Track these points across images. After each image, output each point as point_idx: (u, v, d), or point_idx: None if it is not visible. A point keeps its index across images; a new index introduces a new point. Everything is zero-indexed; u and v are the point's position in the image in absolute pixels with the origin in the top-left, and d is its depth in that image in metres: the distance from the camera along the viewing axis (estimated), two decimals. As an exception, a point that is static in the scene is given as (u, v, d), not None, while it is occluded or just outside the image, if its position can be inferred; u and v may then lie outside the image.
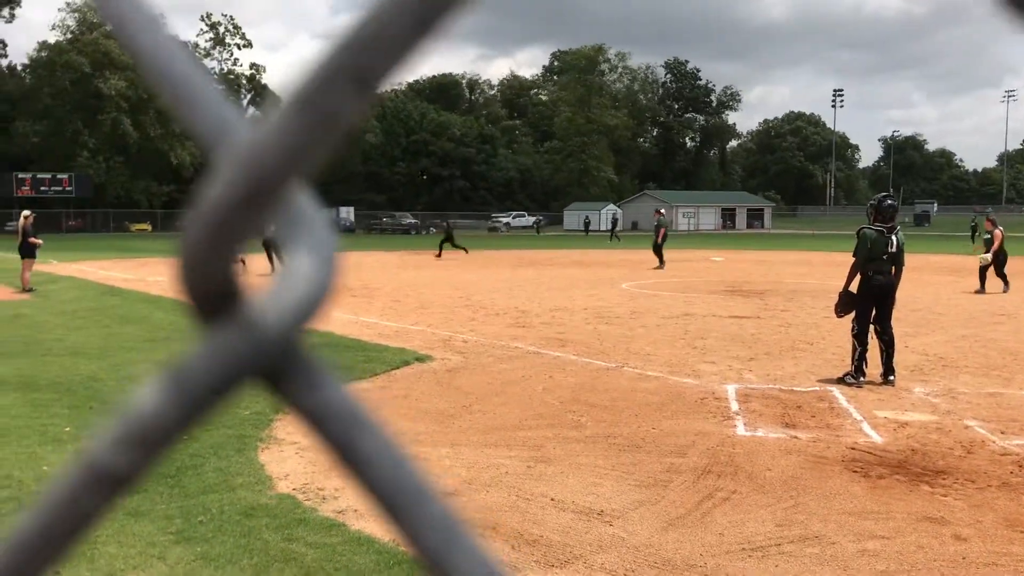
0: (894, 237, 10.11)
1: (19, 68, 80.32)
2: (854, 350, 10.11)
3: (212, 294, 0.32)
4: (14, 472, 6.58)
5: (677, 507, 6.06)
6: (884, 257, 10.07)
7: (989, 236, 21.11)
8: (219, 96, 0.36)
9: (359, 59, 0.28)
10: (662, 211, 33.13)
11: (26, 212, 21.81)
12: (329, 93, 0.28)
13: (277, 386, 0.33)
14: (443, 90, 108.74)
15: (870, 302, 10.16)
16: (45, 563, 0.34)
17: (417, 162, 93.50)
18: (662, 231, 31.22)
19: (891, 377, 10.08)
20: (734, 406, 8.99)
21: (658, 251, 30.91)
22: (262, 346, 0.32)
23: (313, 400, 0.33)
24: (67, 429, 7.91)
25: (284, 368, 0.33)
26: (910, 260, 11.60)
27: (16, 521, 0.34)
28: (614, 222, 58.23)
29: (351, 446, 0.33)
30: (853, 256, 10.22)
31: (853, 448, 7.47)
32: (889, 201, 10.43)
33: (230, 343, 0.32)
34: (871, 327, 10.12)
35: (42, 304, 18.33)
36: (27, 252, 20.73)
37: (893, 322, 10.31)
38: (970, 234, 20.02)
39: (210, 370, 0.31)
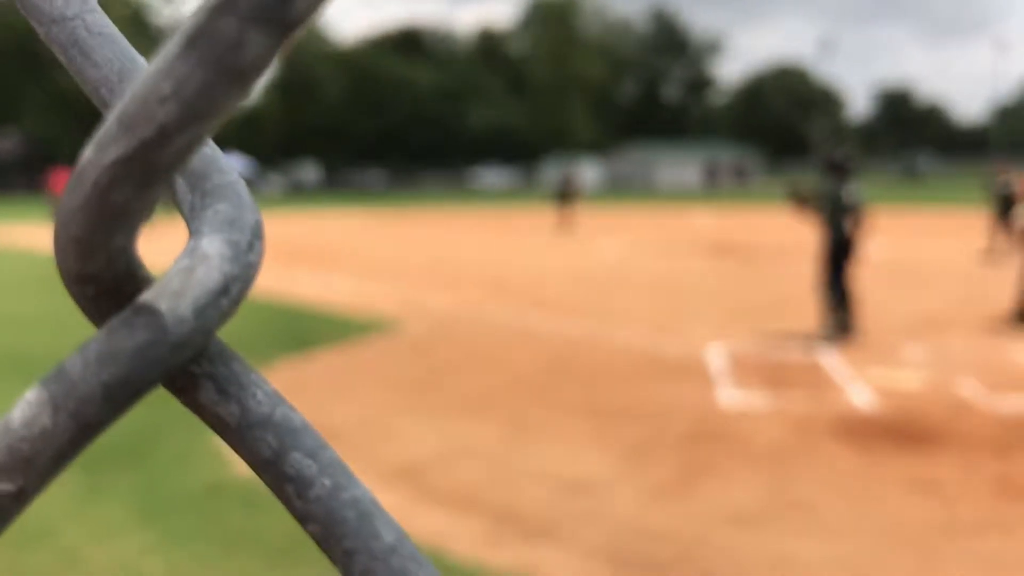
0: (846, 190, 10.07)
1: None
2: (824, 308, 10.26)
3: (100, 282, 0.27)
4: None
5: (661, 477, 5.86)
6: (837, 210, 10.02)
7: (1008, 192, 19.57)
8: (120, 37, 0.32)
9: None
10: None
11: None
12: (231, 29, 0.23)
13: (186, 392, 0.29)
14: (410, 43, 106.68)
15: (829, 257, 10.14)
16: None
17: (383, 117, 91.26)
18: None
19: (846, 334, 10.07)
20: (719, 370, 8.79)
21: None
22: (163, 346, 0.26)
23: (229, 409, 0.29)
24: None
25: (194, 372, 0.29)
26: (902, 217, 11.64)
27: None
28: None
29: (278, 463, 0.29)
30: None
31: (842, 411, 7.30)
32: (838, 154, 10.40)
33: (124, 342, 0.26)
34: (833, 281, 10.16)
35: None
36: None
37: (857, 279, 10.40)
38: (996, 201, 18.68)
39: (101, 375, 0.26)
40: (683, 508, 5.34)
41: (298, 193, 71.56)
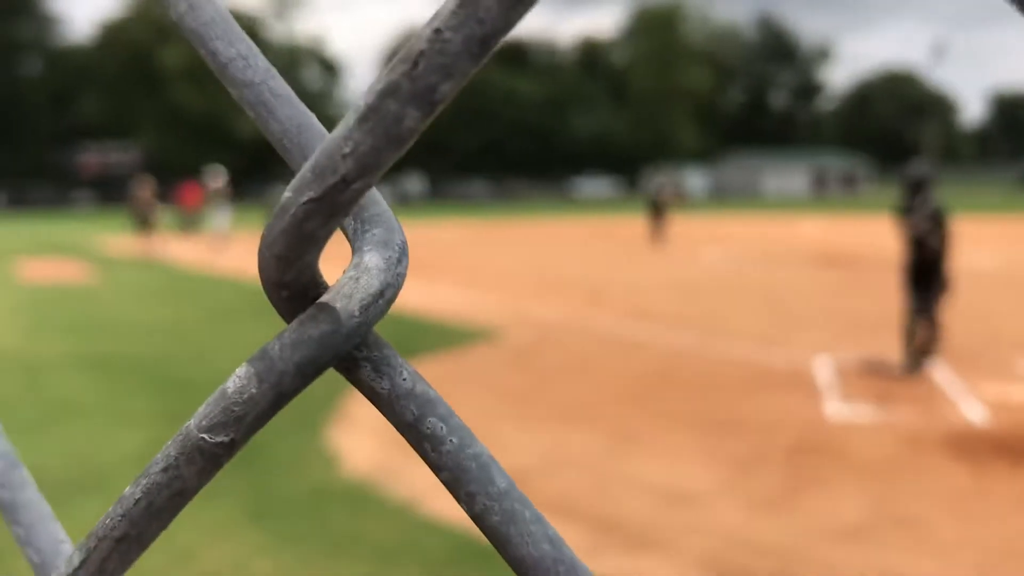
0: (929, 203, 9.11)
1: (83, 44, 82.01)
2: (906, 332, 9.26)
3: (292, 287, 0.36)
4: (85, 450, 6.61)
5: (766, 489, 5.80)
6: (917, 230, 9.10)
7: None
8: (292, 96, 0.41)
9: (422, 77, 0.30)
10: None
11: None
12: (394, 107, 0.30)
13: (351, 371, 0.37)
14: (513, 54, 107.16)
15: (908, 279, 9.25)
16: (148, 533, 0.37)
17: (486, 128, 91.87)
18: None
19: (922, 365, 9.05)
20: (826, 382, 8.63)
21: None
22: (338, 335, 0.35)
23: (382, 384, 0.37)
24: (139, 407, 7.96)
25: (357, 355, 0.37)
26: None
27: (124, 493, 0.37)
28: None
29: (418, 425, 0.36)
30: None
31: (953, 426, 7.09)
32: (912, 169, 9.46)
33: (310, 332, 0.35)
34: (918, 308, 9.16)
35: (114, 283, 18.70)
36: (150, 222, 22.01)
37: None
38: None
39: (294, 357, 0.34)
40: (787, 521, 5.27)
41: (404, 204, 72.71)
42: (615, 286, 16.92)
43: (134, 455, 6.47)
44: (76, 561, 0.38)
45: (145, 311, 14.31)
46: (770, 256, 23.13)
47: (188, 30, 0.43)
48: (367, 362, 0.37)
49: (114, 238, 32.10)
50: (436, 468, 0.36)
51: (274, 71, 0.42)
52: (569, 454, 6.57)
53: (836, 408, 7.70)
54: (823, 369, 9.18)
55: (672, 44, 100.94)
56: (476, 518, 0.36)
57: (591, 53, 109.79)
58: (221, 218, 27.29)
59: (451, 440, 0.36)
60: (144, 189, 25.82)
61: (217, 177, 27.75)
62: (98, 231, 37.20)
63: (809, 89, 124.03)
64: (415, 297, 14.54)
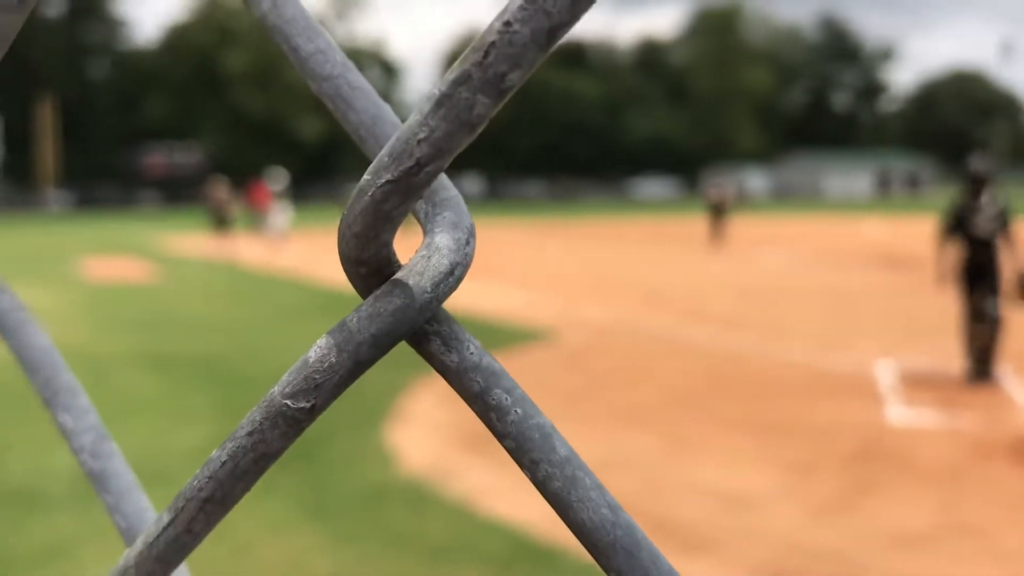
0: (985, 203, 8.69)
1: (149, 47, 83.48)
2: (967, 340, 8.86)
3: (369, 265, 0.38)
4: (148, 445, 6.75)
5: (824, 494, 5.73)
6: (972, 228, 8.66)
7: None
8: (369, 88, 0.44)
9: (492, 67, 0.32)
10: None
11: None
12: (466, 94, 0.33)
13: (421, 344, 0.39)
14: (572, 54, 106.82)
15: (964, 281, 8.84)
16: (233, 494, 0.39)
17: (544, 129, 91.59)
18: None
19: (987, 373, 8.61)
20: (888, 387, 8.49)
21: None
22: (411, 309, 0.37)
23: (451, 357, 0.39)
24: (200, 404, 8.10)
25: (428, 329, 0.39)
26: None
27: (211, 456, 0.39)
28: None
29: (485, 396, 0.38)
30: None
31: (1019, 433, 6.93)
32: (975, 164, 8.96)
33: (385, 307, 0.37)
34: (976, 310, 8.78)
35: (174, 281, 19.04)
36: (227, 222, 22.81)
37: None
38: None
39: (370, 329, 0.37)
40: (846, 527, 5.21)
41: (461, 204, 72.97)
42: (672, 287, 16.81)
43: (195, 451, 6.59)
44: (165, 520, 0.41)
45: (207, 309, 14.56)
46: (831, 258, 22.81)
47: (271, 27, 0.45)
48: (437, 336, 0.39)
49: (178, 238, 32.71)
50: (501, 436, 0.38)
51: (351, 64, 0.44)
52: (624, 456, 6.56)
53: (898, 413, 7.57)
54: (885, 373, 9.03)
55: (733, 44, 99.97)
56: (539, 484, 0.38)
57: (650, 53, 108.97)
58: (281, 219, 27.73)
59: (515, 411, 0.38)
60: (219, 189, 26.32)
61: (278, 179, 28.20)
62: (162, 231, 37.94)
63: (872, 89, 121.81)
64: (470, 297, 14.60)
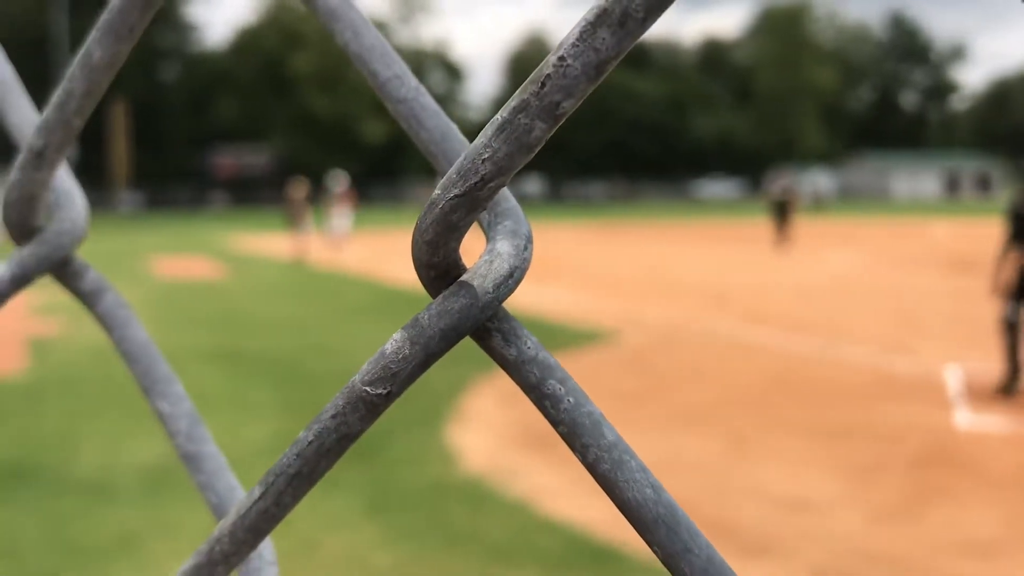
0: None
1: (219, 50, 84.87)
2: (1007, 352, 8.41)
3: (438, 268, 0.42)
4: (215, 442, 6.88)
5: (888, 499, 5.66)
6: None
7: None
8: (438, 110, 0.49)
9: (548, 96, 0.36)
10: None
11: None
12: (525, 120, 0.37)
13: (484, 340, 0.43)
14: (635, 53, 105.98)
15: (1013, 287, 8.34)
16: (317, 471, 0.43)
17: (606, 129, 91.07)
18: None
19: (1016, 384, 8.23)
20: (956, 392, 8.34)
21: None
22: (475, 308, 0.41)
23: (510, 351, 0.43)
24: (266, 400, 8.25)
25: (490, 326, 0.43)
26: None
27: (298, 436, 0.44)
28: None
29: (540, 386, 0.42)
30: None
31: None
32: None
33: (452, 305, 0.41)
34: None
35: (242, 280, 19.37)
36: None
37: None
38: None
39: (439, 325, 0.41)
40: (910, 533, 5.14)
41: (522, 205, 72.81)
42: (736, 288, 16.67)
43: (261, 446, 6.72)
44: (256, 494, 0.45)
45: (273, 307, 14.82)
46: (898, 260, 22.41)
47: (352, 54, 0.50)
48: (498, 332, 0.43)
49: (247, 237, 33.29)
50: (555, 423, 0.42)
51: (423, 88, 0.49)
52: (686, 458, 6.54)
53: (966, 418, 7.44)
54: (951, 378, 8.87)
55: (799, 43, 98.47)
56: (589, 466, 0.41)
57: (714, 52, 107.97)
58: (343, 220, 28.10)
59: (568, 400, 0.42)
60: (298, 191, 26.70)
61: (340, 181, 28.54)
62: (231, 230, 38.63)
63: (942, 89, 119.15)
64: (532, 298, 14.64)
